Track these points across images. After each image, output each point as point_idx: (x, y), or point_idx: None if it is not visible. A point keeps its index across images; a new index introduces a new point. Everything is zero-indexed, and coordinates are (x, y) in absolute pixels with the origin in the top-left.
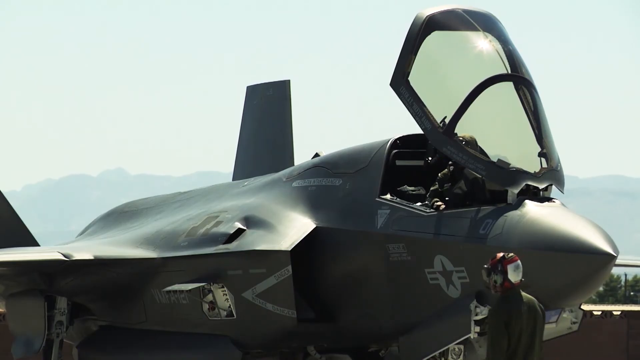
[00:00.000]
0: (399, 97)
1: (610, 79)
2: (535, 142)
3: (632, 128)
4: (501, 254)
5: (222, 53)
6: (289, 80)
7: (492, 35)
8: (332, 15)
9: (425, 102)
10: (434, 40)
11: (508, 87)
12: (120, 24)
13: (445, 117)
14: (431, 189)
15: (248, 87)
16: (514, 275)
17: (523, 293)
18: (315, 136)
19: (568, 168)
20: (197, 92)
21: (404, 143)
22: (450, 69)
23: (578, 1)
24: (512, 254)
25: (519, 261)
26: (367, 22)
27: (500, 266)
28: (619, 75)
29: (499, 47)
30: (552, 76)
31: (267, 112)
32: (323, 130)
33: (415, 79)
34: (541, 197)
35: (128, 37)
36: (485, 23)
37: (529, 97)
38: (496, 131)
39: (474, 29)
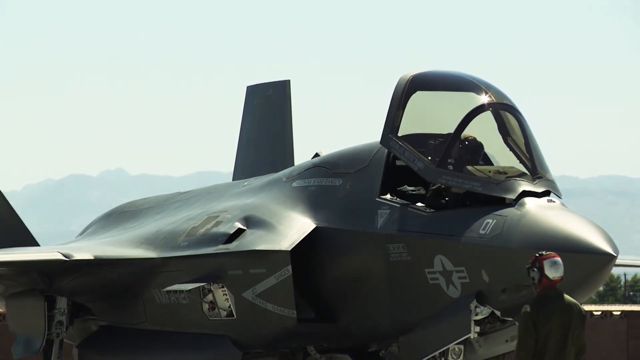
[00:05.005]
0: (391, 151)
1: (610, 78)
2: (528, 165)
3: (632, 128)
4: (539, 252)
5: (222, 53)
6: (289, 80)
7: (477, 86)
8: (332, 15)
9: (416, 147)
10: (418, 98)
11: (494, 116)
12: (120, 23)
13: None
14: (431, 187)
15: (248, 87)
16: (551, 271)
17: (566, 296)
18: (315, 136)
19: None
20: (197, 92)
21: None
22: (438, 116)
23: (579, 2)
24: (550, 252)
25: (557, 258)
26: (367, 22)
27: (537, 263)
28: (620, 75)
29: (483, 93)
30: (552, 76)
31: (267, 112)
32: (323, 130)
33: (404, 131)
34: (541, 197)
35: (128, 36)
36: (469, 80)
37: (517, 123)
38: (489, 159)
39: (458, 86)
